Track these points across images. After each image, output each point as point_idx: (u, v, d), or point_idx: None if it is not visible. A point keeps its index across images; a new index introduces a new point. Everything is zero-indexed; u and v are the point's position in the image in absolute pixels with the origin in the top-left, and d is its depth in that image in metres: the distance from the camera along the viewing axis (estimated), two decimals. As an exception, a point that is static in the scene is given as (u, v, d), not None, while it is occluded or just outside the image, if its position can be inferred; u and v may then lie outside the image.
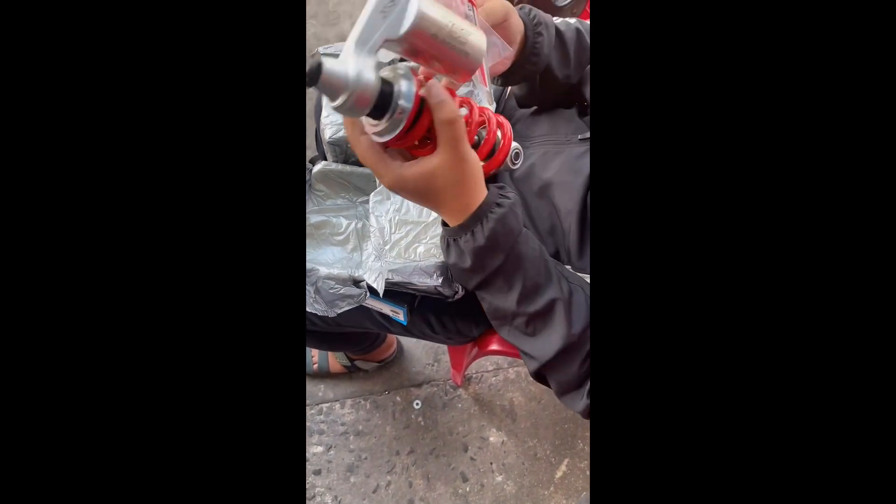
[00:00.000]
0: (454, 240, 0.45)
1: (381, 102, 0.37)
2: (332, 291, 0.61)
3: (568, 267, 0.57)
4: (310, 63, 0.33)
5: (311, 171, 0.66)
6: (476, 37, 0.37)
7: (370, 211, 0.62)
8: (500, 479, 1.08)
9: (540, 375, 0.49)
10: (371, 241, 0.61)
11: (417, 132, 0.39)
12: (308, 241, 0.64)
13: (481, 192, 0.43)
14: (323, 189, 0.67)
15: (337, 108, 0.36)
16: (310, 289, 0.61)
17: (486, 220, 0.43)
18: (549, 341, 0.46)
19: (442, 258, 0.58)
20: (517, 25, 0.57)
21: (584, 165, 0.57)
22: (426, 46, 0.36)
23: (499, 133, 0.45)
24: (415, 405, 1.14)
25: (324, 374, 1.15)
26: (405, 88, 0.37)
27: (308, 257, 0.62)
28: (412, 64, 0.39)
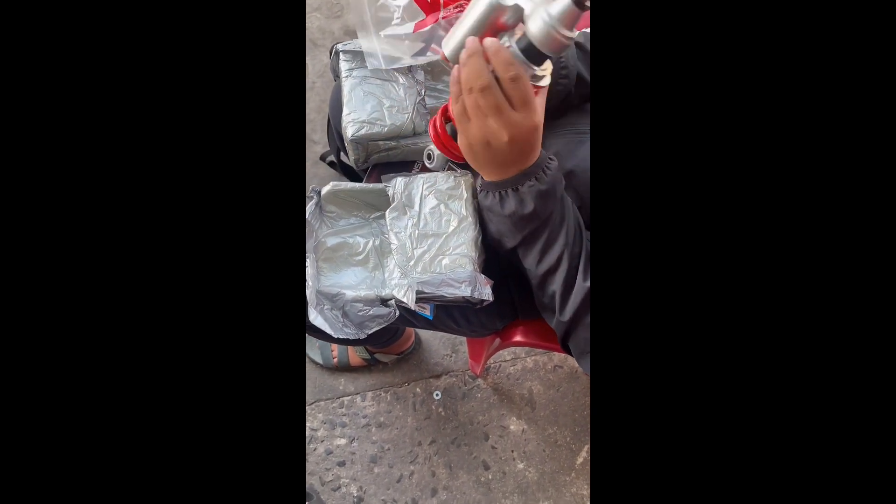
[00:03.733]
0: (515, 189, 0.48)
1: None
2: (360, 314, 0.60)
3: None
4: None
5: (319, 193, 0.65)
6: None
7: (389, 228, 0.61)
8: (521, 466, 1.10)
9: (566, 340, 0.53)
10: (394, 258, 0.59)
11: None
12: (327, 265, 0.62)
13: (537, 151, 0.48)
14: (334, 210, 0.65)
15: (555, 17, 0.38)
16: (337, 313, 0.60)
17: (547, 167, 0.48)
18: (582, 288, 0.49)
19: (468, 268, 0.57)
20: None
21: None
22: None
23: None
24: (435, 396, 1.15)
25: (344, 368, 1.16)
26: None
27: (330, 281, 0.61)
28: None
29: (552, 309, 0.53)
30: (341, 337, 0.61)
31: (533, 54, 0.42)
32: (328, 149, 1.37)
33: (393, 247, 0.59)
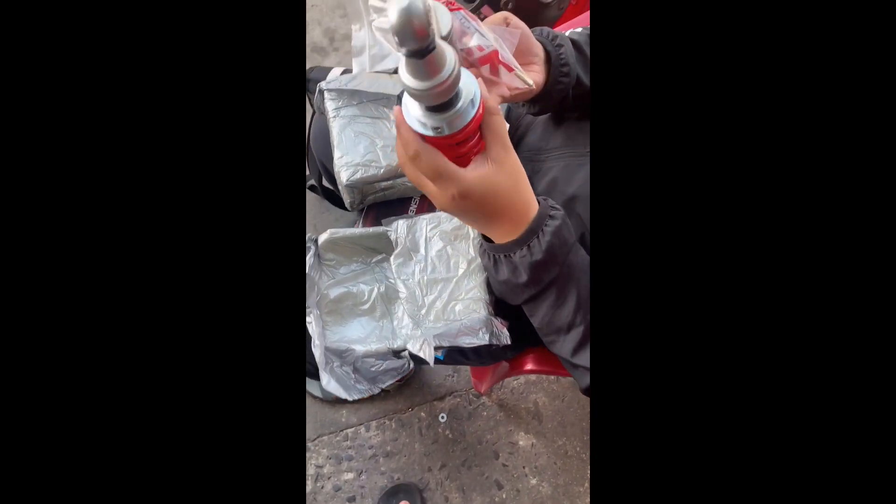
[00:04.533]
0: (507, 256, 0.43)
1: (453, 96, 0.34)
2: (373, 369, 0.57)
3: None
4: (424, 42, 0.28)
5: (317, 242, 0.61)
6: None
7: (395, 276, 0.58)
8: (534, 481, 1.09)
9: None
10: (404, 308, 0.57)
11: (473, 126, 0.35)
12: (332, 319, 0.59)
13: (533, 200, 0.42)
14: (333, 257, 0.62)
15: (421, 92, 0.31)
16: (347, 369, 0.57)
17: (542, 232, 0.42)
18: None
19: (482, 313, 0.55)
20: (535, 46, 0.53)
21: None
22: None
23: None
24: (440, 419, 1.13)
25: (344, 399, 1.12)
26: (475, 90, 0.34)
27: (337, 336, 0.58)
28: None
29: (562, 357, 0.49)
30: (355, 398, 0.58)
31: (433, 107, 0.34)
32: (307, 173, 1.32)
33: (402, 296, 0.57)
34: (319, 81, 1.04)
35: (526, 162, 0.67)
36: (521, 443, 1.12)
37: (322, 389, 1.11)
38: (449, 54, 0.31)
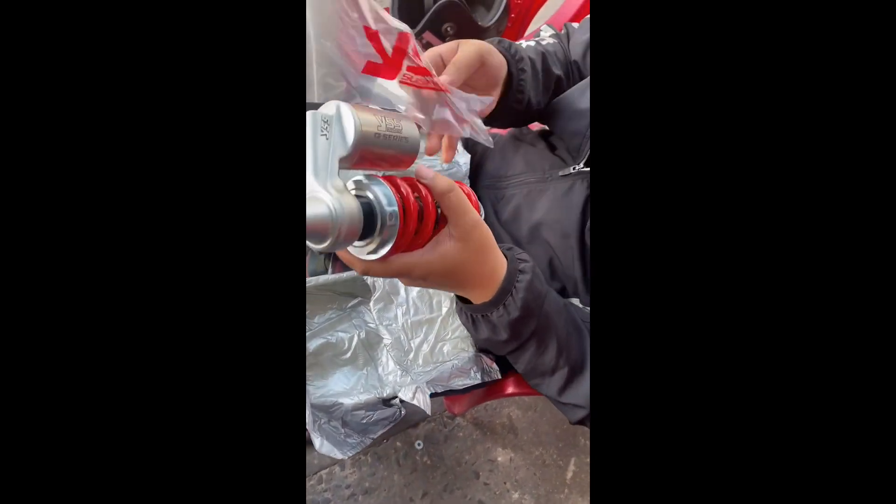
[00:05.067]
0: (484, 316, 0.43)
1: (369, 220, 0.34)
2: (363, 421, 0.55)
3: (576, 300, 0.56)
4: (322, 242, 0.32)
5: None
6: (407, 123, 0.37)
7: (377, 322, 0.56)
8: (516, 496, 1.09)
9: (584, 421, 0.49)
10: (390, 354, 0.55)
11: (411, 226, 0.36)
12: (313, 372, 0.56)
13: (501, 259, 0.42)
14: (307, 308, 0.59)
15: (325, 250, 0.33)
16: (336, 424, 0.55)
17: (514, 290, 0.42)
18: (583, 391, 0.46)
19: (471, 351, 0.54)
20: (498, 64, 0.52)
21: (575, 200, 0.56)
22: (372, 149, 0.34)
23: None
24: (416, 446, 1.11)
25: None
26: (383, 193, 0.35)
27: (321, 391, 0.55)
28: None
29: (548, 397, 0.49)
30: (349, 454, 0.55)
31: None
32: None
33: (387, 342, 0.55)
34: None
35: (487, 189, 0.67)
36: (499, 459, 1.12)
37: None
38: (333, 216, 0.31)
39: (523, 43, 0.61)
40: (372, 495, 1.06)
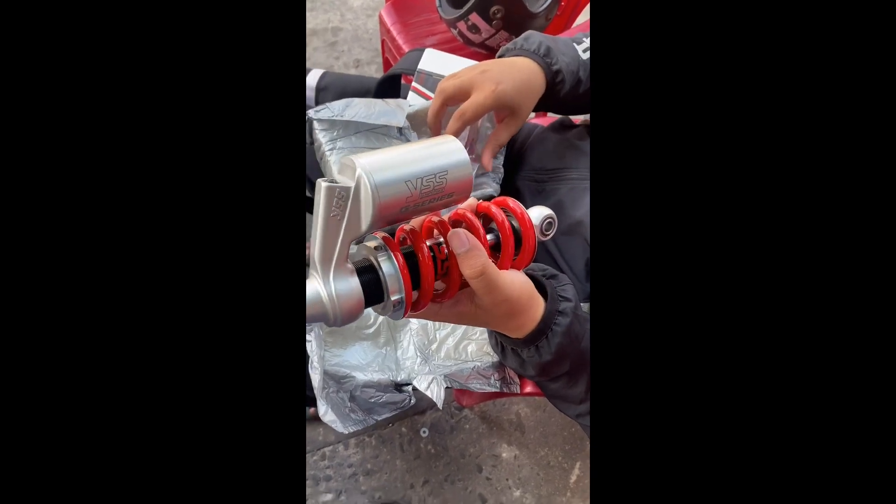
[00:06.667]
0: (514, 350, 0.40)
1: (373, 293, 0.31)
2: (372, 400, 0.54)
3: None
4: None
5: None
6: (451, 162, 0.30)
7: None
8: (518, 493, 1.08)
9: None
10: (413, 339, 0.53)
11: (426, 289, 0.33)
12: (333, 339, 0.55)
13: (536, 308, 0.38)
14: None
15: (329, 325, 0.31)
16: (344, 396, 0.54)
17: (550, 333, 0.38)
18: None
19: (495, 357, 0.52)
20: (526, 90, 0.55)
21: None
22: (402, 218, 0.30)
23: (513, 221, 0.36)
24: (422, 433, 1.10)
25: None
26: (389, 266, 0.31)
27: (337, 359, 0.54)
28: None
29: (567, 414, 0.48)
30: (350, 430, 0.55)
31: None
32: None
33: (413, 326, 0.53)
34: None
35: (529, 182, 0.65)
36: (504, 455, 1.11)
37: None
38: (326, 304, 0.30)
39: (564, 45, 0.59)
40: (373, 477, 1.06)
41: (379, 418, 0.54)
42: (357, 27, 1.67)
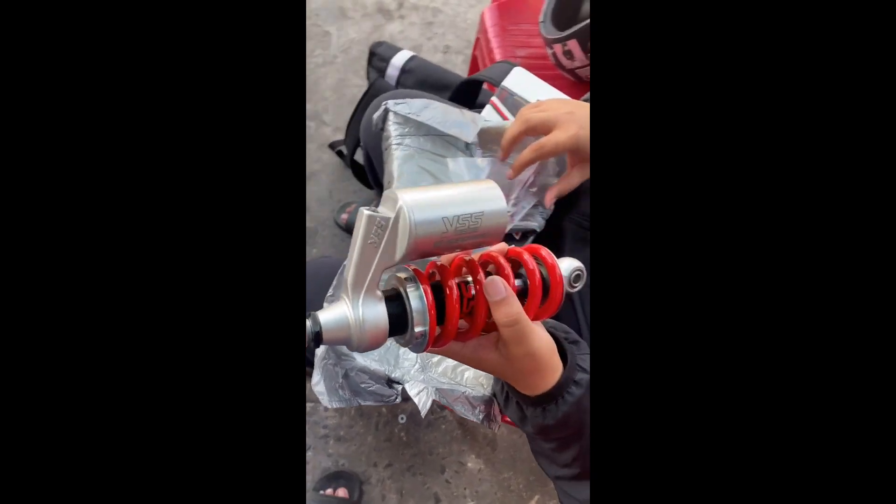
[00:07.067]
0: (519, 404, 0.41)
1: (397, 324, 0.32)
2: (362, 385, 0.56)
3: None
4: (308, 328, 0.31)
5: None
6: (489, 206, 0.32)
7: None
8: (470, 505, 1.10)
9: None
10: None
11: (450, 328, 0.34)
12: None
13: (554, 371, 0.39)
14: None
15: (351, 349, 0.33)
16: (338, 370, 0.56)
17: (561, 400, 0.38)
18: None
19: (487, 391, 0.54)
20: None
21: None
22: (434, 252, 0.32)
23: (542, 270, 0.36)
24: (399, 419, 1.13)
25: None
26: (417, 298, 0.32)
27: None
28: None
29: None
30: (335, 406, 0.57)
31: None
32: (340, 138, 1.29)
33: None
34: (387, 57, 1.00)
35: (576, 226, 0.66)
36: (469, 465, 1.13)
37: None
38: (352, 331, 0.31)
39: None
40: (343, 444, 1.10)
41: (363, 403, 0.57)
42: (457, 14, 1.68)
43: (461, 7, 1.70)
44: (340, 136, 1.33)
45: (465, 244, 0.32)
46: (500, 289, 0.33)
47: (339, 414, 1.12)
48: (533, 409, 0.40)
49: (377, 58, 1.01)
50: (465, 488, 1.11)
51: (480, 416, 0.53)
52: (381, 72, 1.01)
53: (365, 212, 0.30)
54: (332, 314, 0.31)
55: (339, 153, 1.30)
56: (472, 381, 0.54)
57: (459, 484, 1.11)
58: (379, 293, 0.32)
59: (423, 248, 0.30)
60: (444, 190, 0.32)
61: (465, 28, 1.65)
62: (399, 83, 1.00)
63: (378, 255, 0.30)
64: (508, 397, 0.42)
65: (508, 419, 0.64)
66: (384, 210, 0.31)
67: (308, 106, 1.41)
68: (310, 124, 1.39)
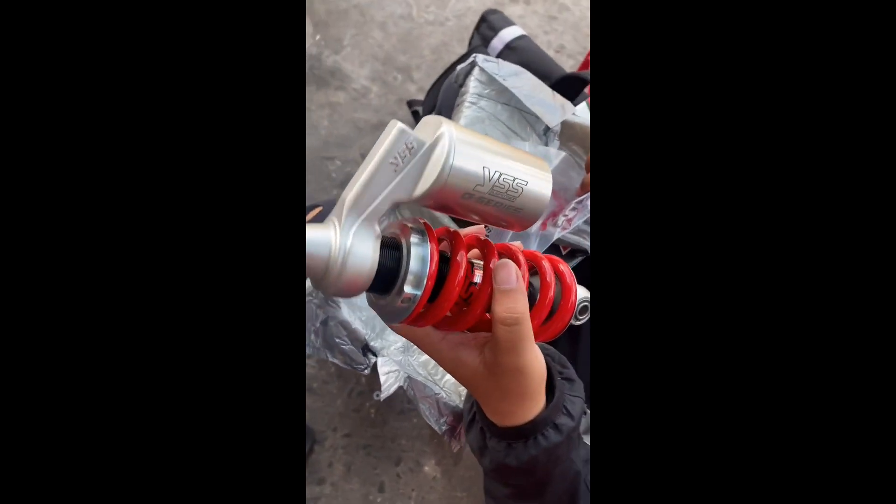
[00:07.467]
0: (483, 431, 0.34)
1: (385, 277, 0.26)
2: (336, 340, 0.50)
3: None
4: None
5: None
6: (535, 183, 0.26)
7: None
8: (412, 509, 1.04)
9: None
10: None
11: (442, 308, 0.27)
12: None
13: (535, 405, 0.32)
14: None
15: (317, 287, 0.26)
16: (319, 314, 0.51)
17: (532, 441, 0.32)
18: None
19: (458, 405, 0.47)
20: None
21: None
22: (457, 206, 0.25)
23: (557, 286, 0.31)
24: (375, 395, 1.07)
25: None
26: (419, 256, 0.26)
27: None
28: None
29: None
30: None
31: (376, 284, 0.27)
32: (418, 99, 1.24)
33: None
34: (497, 27, 0.93)
35: None
36: (426, 469, 1.06)
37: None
38: (332, 256, 0.25)
39: None
40: (311, 397, 1.06)
41: (329, 359, 0.51)
42: (583, 17, 1.59)
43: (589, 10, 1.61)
44: (423, 96, 1.28)
45: (490, 212, 0.26)
46: (511, 277, 0.27)
47: (319, 366, 1.08)
48: (497, 441, 0.33)
49: (486, 25, 0.94)
50: (412, 490, 1.05)
51: (444, 427, 0.46)
52: (486, 41, 0.95)
53: (398, 123, 0.24)
54: (313, 231, 0.25)
55: (415, 113, 1.25)
56: (451, 387, 0.47)
57: (409, 483, 1.05)
58: (377, 229, 0.25)
59: (447, 195, 0.24)
60: (494, 142, 0.26)
61: (586, 33, 1.56)
62: (500, 58, 0.94)
63: (394, 182, 0.24)
64: (474, 419, 0.36)
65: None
66: (420, 134, 0.25)
67: (402, 58, 1.37)
68: (397, 76, 1.35)
